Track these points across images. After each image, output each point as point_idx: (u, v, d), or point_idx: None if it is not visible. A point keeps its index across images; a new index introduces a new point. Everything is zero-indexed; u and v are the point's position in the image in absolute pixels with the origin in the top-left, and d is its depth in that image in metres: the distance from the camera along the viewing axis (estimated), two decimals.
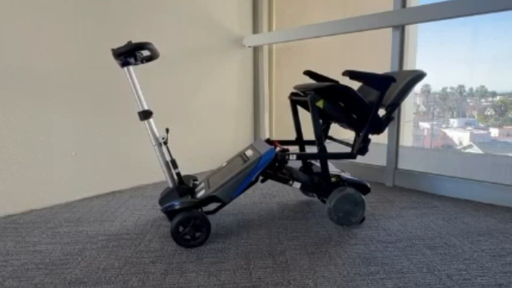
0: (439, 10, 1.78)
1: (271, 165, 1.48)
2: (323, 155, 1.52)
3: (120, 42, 2.02)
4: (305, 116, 1.72)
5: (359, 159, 2.41)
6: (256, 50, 2.83)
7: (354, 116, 1.50)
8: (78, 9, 1.87)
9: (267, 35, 2.73)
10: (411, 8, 1.92)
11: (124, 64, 1.45)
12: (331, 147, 1.64)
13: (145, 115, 1.48)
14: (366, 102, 1.48)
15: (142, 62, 1.48)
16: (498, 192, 1.78)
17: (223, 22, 2.59)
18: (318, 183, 1.57)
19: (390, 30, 2.02)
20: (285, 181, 1.55)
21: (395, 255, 1.28)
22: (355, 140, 1.55)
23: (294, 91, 1.73)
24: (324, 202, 1.58)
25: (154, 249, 1.35)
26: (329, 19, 2.26)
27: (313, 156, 1.59)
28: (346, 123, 1.55)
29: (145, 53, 1.47)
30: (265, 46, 2.81)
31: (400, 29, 1.97)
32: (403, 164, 2.13)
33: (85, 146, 1.96)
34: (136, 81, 1.48)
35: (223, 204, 1.47)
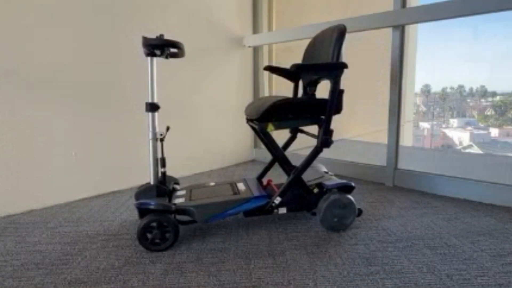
0: (439, 10, 1.78)
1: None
2: (297, 176, 1.48)
3: (120, 41, 2.03)
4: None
5: (359, 159, 2.41)
6: (256, 50, 2.83)
7: (308, 115, 1.46)
8: (77, 8, 1.87)
9: (267, 35, 2.73)
10: (411, 8, 1.92)
11: (150, 54, 1.48)
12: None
13: (152, 107, 1.50)
14: (308, 100, 1.44)
15: (166, 57, 1.51)
16: (498, 192, 1.78)
17: (223, 22, 2.59)
18: (304, 195, 1.52)
19: (390, 30, 2.02)
20: (269, 212, 1.49)
21: (395, 255, 1.28)
22: (318, 134, 1.49)
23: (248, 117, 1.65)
24: (314, 214, 1.57)
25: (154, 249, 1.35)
26: (329, 19, 2.26)
27: (289, 184, 1.48)
28: (307, 124, 1.51)
29: (172, 50, 1.48)
30: (265, 46, 2.81)
31: (400, 29, 1.97)
32: (403, 164, 2.14)
33: (85, 146, 1.96)
34: (155, 72, 1.50)
35: (196, 221, 1.43)
